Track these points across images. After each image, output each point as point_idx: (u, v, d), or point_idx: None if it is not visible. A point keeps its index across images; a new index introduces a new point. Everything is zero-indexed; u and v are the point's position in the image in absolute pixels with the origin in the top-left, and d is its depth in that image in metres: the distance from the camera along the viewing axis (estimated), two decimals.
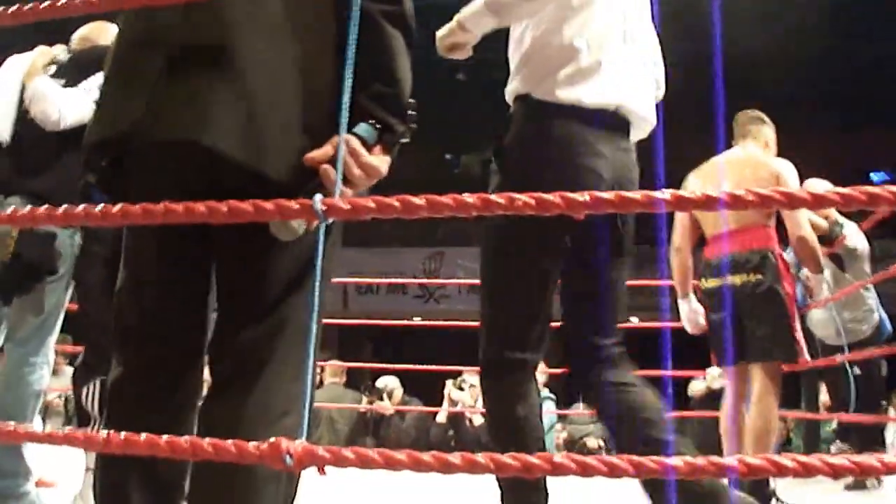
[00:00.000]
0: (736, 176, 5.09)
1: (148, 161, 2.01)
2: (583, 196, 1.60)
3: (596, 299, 3.07)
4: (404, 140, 2.03)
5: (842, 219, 6.77)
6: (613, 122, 3.01)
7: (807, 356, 5.05)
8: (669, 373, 9.53)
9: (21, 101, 4.00)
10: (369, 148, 1.93)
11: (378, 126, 1.95)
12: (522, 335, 3.01)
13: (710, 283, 5.18)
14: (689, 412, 9.13)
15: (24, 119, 3.99)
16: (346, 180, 1.89)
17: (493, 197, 1.62)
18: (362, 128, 1.93)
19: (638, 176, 3.11)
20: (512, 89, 3.11)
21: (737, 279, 5.02)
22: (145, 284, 2.10)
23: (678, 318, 5.41)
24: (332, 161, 1.88)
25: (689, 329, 5.30)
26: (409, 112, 2.01)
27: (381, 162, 1.95)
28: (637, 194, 1.58)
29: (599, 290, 3.05)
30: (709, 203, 1.56)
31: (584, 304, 3.10)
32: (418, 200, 1.61)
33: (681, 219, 5.37)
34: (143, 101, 1.94)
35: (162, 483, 2.07)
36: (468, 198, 1.62)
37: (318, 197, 1.60)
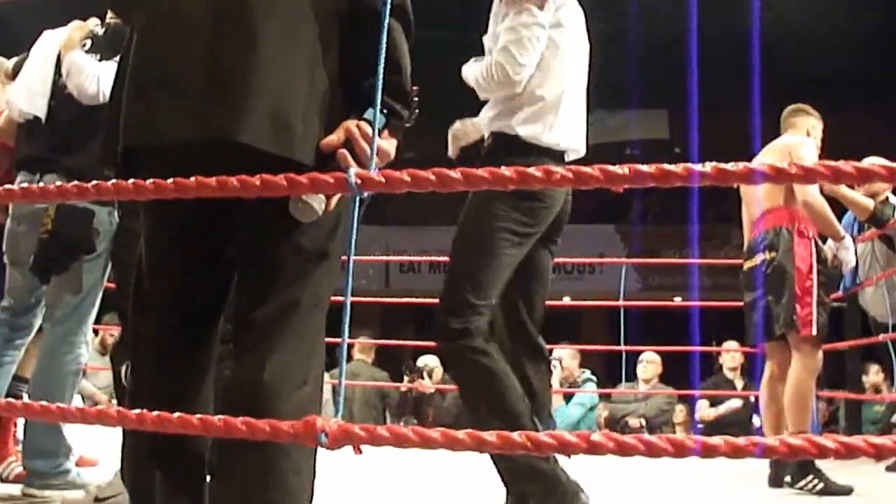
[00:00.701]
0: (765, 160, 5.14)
1: (175, 158, 2.03)
2: (622, 169, 1.57)
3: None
4: (408, 124, 2.18)
5: (893, 198, 6.68)
6: (558, 154, 3.60)
7: (814, 330, 5.02)
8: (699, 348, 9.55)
9: (56, 77, 3.99)
10: (378, 133, 2.02)
11: (385, 112, 2.05)
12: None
13: (745, 265, 5.41)
14: (720, 391, 9.03)
15: (59, 96, 3.98)
16: (358, 163, 1.96)
17: (532, 171, 1.59)
18: (371, 114, 2.01)
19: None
20: (496, 127, 3.61)
21: (757, 259, 5.26)
22: (164, 260, 2.18)
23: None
24: (346, 145, 1.99)
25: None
26: (413, 98, 2.18)
27: (390, 145, 2.10)
28: (679, 168, 1.56)
29: None
30: (722, 176, 1.54)
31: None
32: (454, 174, 1.59)
33: (745, 223, 5.59)
34: (176, 102, 2.02)
35: (186, 454, 2.14)
36: (505, 171, 1.59)
37: (353, 170, 1.60)
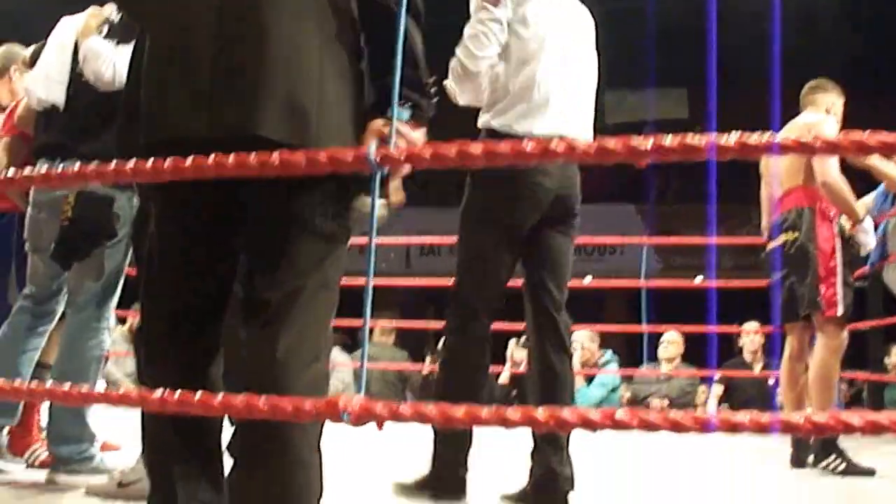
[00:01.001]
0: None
1: (195, 153, 2.02)
2: (644, 143, 1.55)
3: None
4: (431, 113, 2.23)
5: None
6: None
7: (840, 310, 5.03)
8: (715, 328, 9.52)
9: (74, 65, 3.99)
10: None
11: (410, 105, 2.13)
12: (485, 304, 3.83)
13: (769, 245, 5.45)
14: (741, 371, 9.00)
15: (77, 82, 3.97)
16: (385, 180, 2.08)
17: (553, 145, 1.58)
18: (397, 110, 2.08)
19: (578, 179, 3.84)
20: (481, 123, 3.85)
21: (780, 239, 5.27)
22: (173, 248, 2.23)
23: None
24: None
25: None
26: (432, 88, 2.23)
27: (420, 135, 2.15)
28: (700, 140, 1.55)
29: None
30: (745, 150, 1.53)
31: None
32: (475, 149, 1.58)
33: (763, 202, 5.65)
34: (192, 98, 2.08)
35: (204, 437, 2.22)
36: (526, 145, 1.58)
37: (373, 146, 1.59)
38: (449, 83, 3.75)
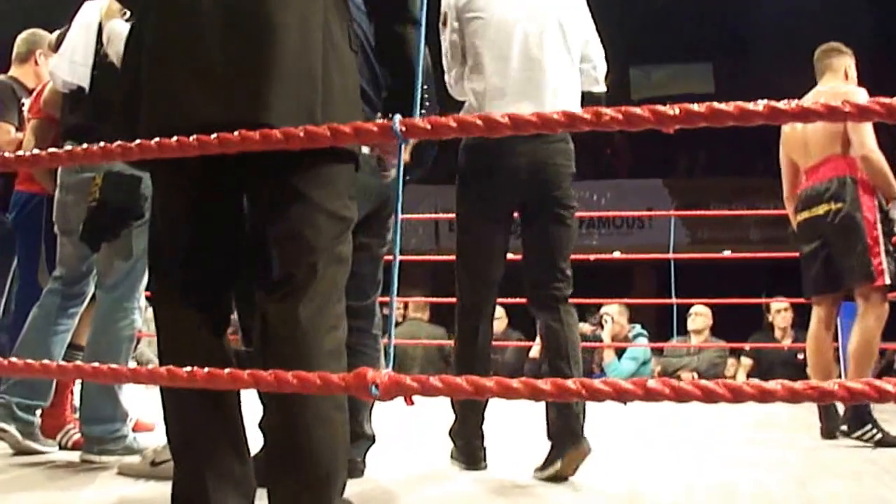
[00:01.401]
0: None
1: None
2: (673, 109, 1.54)
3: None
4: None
5: None
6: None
7: (887, 279, 5.00)
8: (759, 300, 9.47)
9: (98, 47, 3.99)
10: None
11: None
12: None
13: (802, 215, 5.33)
14: (770, 344, 8.97)
15: (101, 65, 3.97)
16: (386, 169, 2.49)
17: (580, 113, 1.57)
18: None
19: (564, 154, 3.96)
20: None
21: (820, 209, 5.18)
22: (181, 224, 2.31)
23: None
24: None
25: None
26: (425, 96, 2.49)
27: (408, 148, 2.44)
28: (729, 106, 1.53)
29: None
30: (774, 115, 1.51)
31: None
32: (500, 118, 1.56)
33: (785, 173, 5.58)
34: (204, 86, 2.15)
35: (224, 406, 2.28)
36: (554, 115, 1.57)
37: (398, 117, 1.59)
38: None
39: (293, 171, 2.19)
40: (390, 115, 1.94)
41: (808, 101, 4.70)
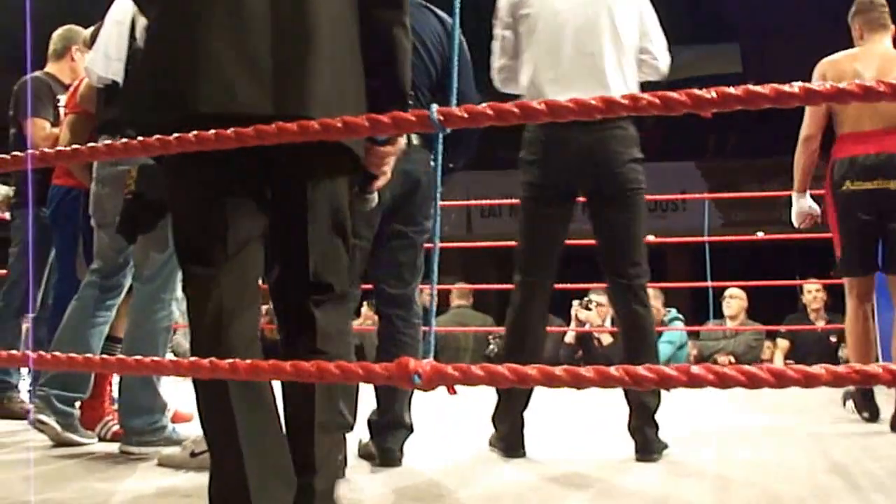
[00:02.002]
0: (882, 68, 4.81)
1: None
2: (710, 93, 1.53)
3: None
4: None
5: None
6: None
7: None
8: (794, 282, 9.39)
9: (132, 41, 4.00)
10: (384, 144, 2.46)
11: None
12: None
13: (861, 185, 4.84)
14: (805, 326, 8.92)
15: (135, 59, 3.99)
16: (373, 178, 2.53)
17: (618, 98, 1.56)
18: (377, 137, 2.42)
19: (621, 140, 4.02)
20: None
21: (892, 184, 4.78)
22: (209, 208, 2.31)
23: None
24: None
25: (798, 223, 5.19)
26: (407, 100, 2.49)
27: (395, 150, 2.52)
28: (765, 89, 1.51)
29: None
30: (840, 96, 1.48)
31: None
32: (537, 105, 1.56)
33: (816, 113, 5.04)
34: (250, 73, 2.19)
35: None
36: (591, 100, 1.56)
37: (435, 106, 1.58)
38: None
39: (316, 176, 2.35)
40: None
41: (860, 59, 4.45)
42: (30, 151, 1.93)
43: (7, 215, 5.72)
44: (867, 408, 5.02)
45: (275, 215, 2.36)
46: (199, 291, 2.26)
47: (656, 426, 4.02)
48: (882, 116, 4.76)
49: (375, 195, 2.69)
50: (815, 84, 1.48)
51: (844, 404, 5.27)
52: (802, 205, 5.12)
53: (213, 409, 2.21)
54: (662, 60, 4.26)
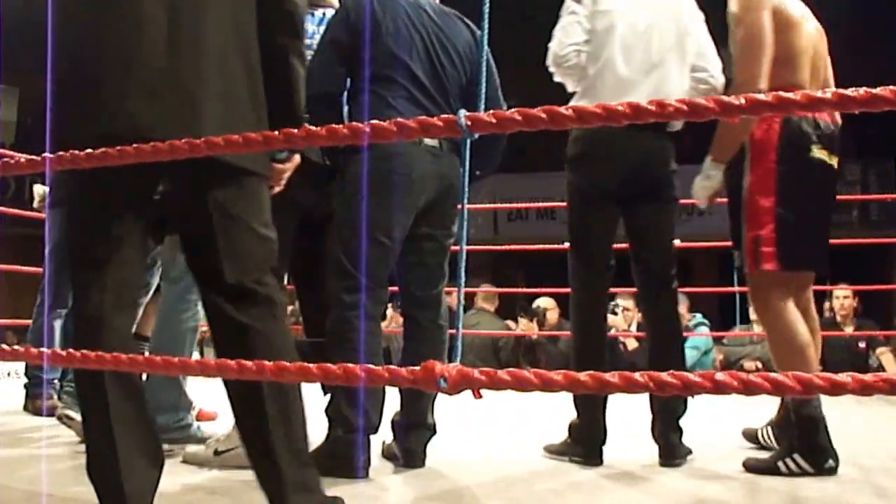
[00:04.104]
0: None
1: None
2: (738, 100, 1.53)
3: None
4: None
5: None
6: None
7: None
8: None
9: None
10: (283, 161, 2.72)
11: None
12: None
13: (824, 154, 3.86)
14: (833, 332, 8.88)
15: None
16: (270, 187, 2.66)
17: (643, 104, 1.56)
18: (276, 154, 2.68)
19: (661, 148, 4.09)
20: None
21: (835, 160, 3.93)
22: (98, 228, 2.48)
23: None
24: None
25: (703, 201, 4.11)
26: (303, 121, 2.56)
27: (292, 166, 2.76)
28: (797, 95, 1.51)
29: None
30: (843, 102, 1.46)
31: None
32: (565, 111, 1.56)
33: (765, 55, 3.78)
34: (148, 98, 2.36)
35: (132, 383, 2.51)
36: (618, 107, 1.56)
37: (463, 112, 1.59)
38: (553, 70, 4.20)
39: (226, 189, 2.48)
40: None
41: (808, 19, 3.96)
42: (48, 154, 1.99)
43: (44, 214, 5.78)
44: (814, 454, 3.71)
45: (184, 228, 2.61)
46: (82, 293, 2.46)
47: (680, 431, 4.02)
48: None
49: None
50: (849, 91, 1.46)
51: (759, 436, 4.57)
52: (716, 178, 4.01)
53: (91, 396, 2.45)
54: (719, 80, 4.26)
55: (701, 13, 4.28)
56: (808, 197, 3.84)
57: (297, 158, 2.76)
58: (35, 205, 6.07)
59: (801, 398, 3.45)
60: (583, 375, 1.44)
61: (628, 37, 4.08)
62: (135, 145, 1.86)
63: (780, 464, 3.67)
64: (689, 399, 4.02)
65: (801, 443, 3.66)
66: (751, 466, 3.76)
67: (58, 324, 5.41)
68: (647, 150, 4.05)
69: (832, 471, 3.62)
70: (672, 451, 3.97)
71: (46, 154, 1.99)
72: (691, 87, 4.19)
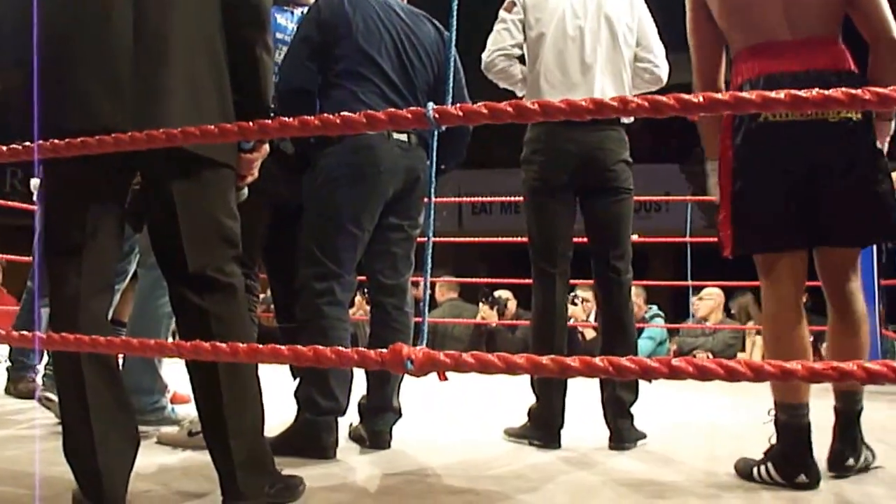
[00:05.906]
0: None
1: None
2: (697, 97, 1.56)
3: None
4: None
5: None
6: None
7: None
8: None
9: None
10: (251, 151, 2.72)
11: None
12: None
13: (786, 116, 3.20)
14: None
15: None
16: (242, 177, 2.72)
17: (606, 101, 1.61)
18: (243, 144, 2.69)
19: (615, 141, 4.22)
20: None
21: (830, 114, 3.22)
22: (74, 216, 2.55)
23: None
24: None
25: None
26: (270, 113, 2.70)
27: (260, 155, 2.77)
28: (752, 94, 1.56)
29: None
30: (797, 103, 1.50)
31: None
32: (531, 105, 1.60)
33: (705, 42, 3.59)
34: (112, 94, 2.43)
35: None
36: (581, 102, 1.60)
37: (431, 105, 1.63)
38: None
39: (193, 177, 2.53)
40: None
41: None
42: (37, 143, 2.03)
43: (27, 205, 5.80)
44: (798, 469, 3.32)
45: (152, 217, 2.66)
46: (58, 278, 2.51)
47: (631, 417, 4.13)
48: (805, 21, 3.32)
49: (245, 190, 2.81)
50: (801, 92, 1.47)
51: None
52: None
53: (67, 377, 2.52)
54: (663, 69, 4.39)
55: (642, 1, 4.42)
56: (762, 167, 3.32)
57: (265, 148, 2.80)
58: (35, 198, 6.09)
59: (786, 403, 3.28)
60: (545, 359, 1.48)
61: (559, 41, 4.22)
62: (97, 137, 1.92)
63: (755, 469, 3.34)
64: (645, 389, 4.14)
65: (776, 451, 3.31)
66: (738, 468, 3.47)
67: (45, 312, 5.43)
68: (593, 144, 4.16)
69: (805, 486, 3.21)
70: (621, 435, 4.09)
71: None
72: (636, 76, 4.36)
